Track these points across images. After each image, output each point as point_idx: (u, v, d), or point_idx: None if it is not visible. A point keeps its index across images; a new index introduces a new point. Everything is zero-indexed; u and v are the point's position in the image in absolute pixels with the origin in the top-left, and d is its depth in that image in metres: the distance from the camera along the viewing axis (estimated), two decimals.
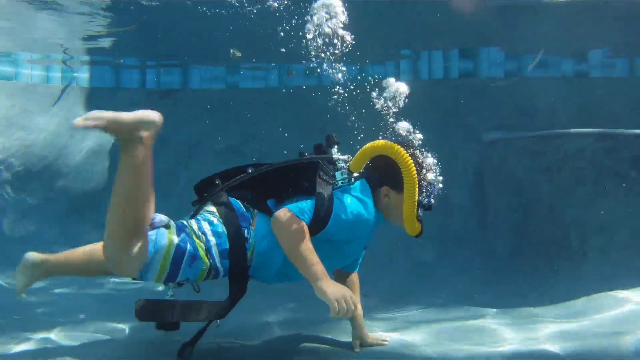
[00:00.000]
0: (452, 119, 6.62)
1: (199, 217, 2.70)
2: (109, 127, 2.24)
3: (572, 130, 5.32)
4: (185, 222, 2.65)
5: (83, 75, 7.48)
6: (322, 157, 2.88)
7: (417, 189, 2.71)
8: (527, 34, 6.54)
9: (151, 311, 2.52)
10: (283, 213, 2.59)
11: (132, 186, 2.34)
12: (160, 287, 2.57)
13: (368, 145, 2.71)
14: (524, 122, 6.29)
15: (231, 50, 6.57)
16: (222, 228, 2.65)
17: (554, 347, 2.92)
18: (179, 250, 2.52)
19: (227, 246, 2.62)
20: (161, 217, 2.58)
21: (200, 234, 2.60)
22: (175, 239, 2.52)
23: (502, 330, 3.38)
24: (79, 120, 2.16)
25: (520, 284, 5.03)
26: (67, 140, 7.27)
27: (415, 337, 3.26)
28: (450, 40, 6.58)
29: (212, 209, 2.75)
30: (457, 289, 5.09)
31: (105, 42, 7.19)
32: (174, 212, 2.73)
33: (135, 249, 2.36)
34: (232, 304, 2.66)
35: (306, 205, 2.65)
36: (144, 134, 2.34)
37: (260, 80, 7.53)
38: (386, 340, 3.22)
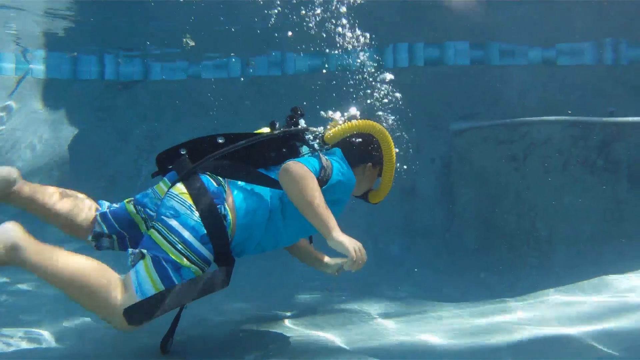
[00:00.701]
0: (418, 108, 6.45)
1: (163, 213, 2.50)
2: None
3: (539, 118, 5.20)
4: (150, 232, 2.49)
5: (39, 67, 7.16)
6: (300, 129, 2.92)
7: (394, 165, 3.06)
8: (494, 21, 6.42)
9: (142, 312, 2.35)
10: (294, 164, 2.55)
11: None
12: None
13: (353, 122, 2.89)
14: (492, 111, 6.16)
15: (184, 40, 6.35)
16: (193, 216, 2.48)
17: (519, 337, 2.85)
18: (160, 271, 2.38)
19: (205, 231, 2.48)
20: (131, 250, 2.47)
21: (171, 237, 2.43)
22: (151, 267, 2.38)
23: (465, 324, 3.26)
24: None
25: (487, 275, 4.89)
26: (22, 134, 6.98)
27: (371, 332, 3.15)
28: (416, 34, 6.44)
29: (180, 189, 2.56)
30: (422, 282, 4.92)
31: (62, 33, 6.92)
32: None
33: (119, 299, 2.30)
34: (229, 271, 2.58)
35: (313, 160, 2.67)
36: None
37: (222, 70, 7.29)
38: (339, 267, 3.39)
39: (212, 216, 2.50)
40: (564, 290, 3.99)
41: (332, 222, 2.54)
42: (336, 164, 2.80)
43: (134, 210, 2.72)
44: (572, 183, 4.93)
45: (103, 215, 2.72)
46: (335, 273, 3.38)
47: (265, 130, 2.96)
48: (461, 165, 5.86)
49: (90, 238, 2.67)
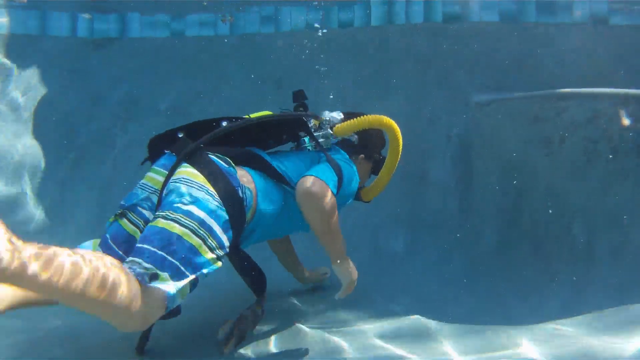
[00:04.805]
0: (433, 75, 5.35)
1: (177, 201, 2.20)
2: None
3: (582, 90, 4.07)
4: (157, 222, 2.16)
5: (1, 20, 6.29)
6: (311, 115, 2.86)
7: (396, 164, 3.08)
8: None
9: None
10: (316, 185, 2.45)
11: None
12: None
13: (368, 117, 2.81)
14: (523, 81, 5.01)
15: None
16: (213, 200, 2.23)
17: None
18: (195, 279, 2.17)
19: (227, 217, 2.27)
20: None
21: (191, 223, 2.15)
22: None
23: None
24: None
25: (505, 290, 3.89)
26: None
27: None
28: None
29: (190, 171, 2.31)
30: (424, 293, 4.00)
31: None
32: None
33: (142, 306, 1.94)
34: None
35: (331, 173, 2.58)
36: None
37: (209, 28, 6.30)
38: (326, 273, 3.71)
39: (233, 200, 2.31)
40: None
41: (344, 249, 2.69)
42: (346, 168, 2.76)
43: (128, 222, 2.39)
44: (622, 177, 3.84)
45: (104, 243, 2.38)
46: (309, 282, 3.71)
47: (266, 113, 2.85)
48: (482, 147, 4.78)
49: None
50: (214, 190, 2.27)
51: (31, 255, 1.59)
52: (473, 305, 3.73)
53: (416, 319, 3.29)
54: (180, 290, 2.09)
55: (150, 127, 5.66)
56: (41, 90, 6.30)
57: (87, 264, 1.75)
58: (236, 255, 2.64)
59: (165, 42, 6.43)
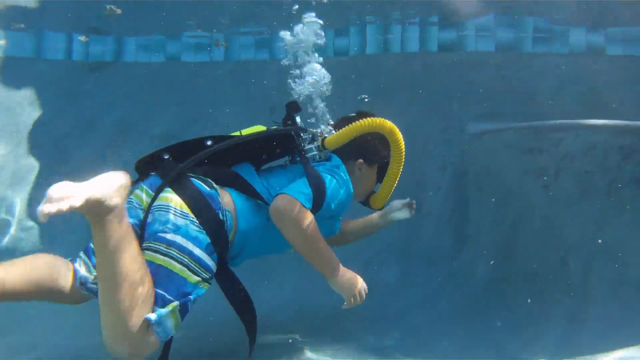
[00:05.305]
0: (428, 104, 5.31)
1: (160, 230, 2.32)
2: (87, 209, 1.97)
3: (578, 121, 4.01)
4: (147, 256, 2.26)
5: None
6: (298, 129, 2.84)
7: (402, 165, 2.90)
8: None
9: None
10: (288, 203, 2.45)
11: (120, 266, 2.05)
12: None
13: (357, 123, 2.73)
14: (520, 111, 4.97)
15: (107, 8, 5.35)
16: (194, 226, 2.34)
17: None
18: (184, 306, 2.27)
19: (209, 240, 2.37)
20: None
21: (176, 254, 2.28)
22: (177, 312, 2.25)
23: None
24: (45, 208, 1.84)
25: (499, 326, 3.76)
26: None
27: None
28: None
29: (172, 198, 2.39)
30: (416, 327, 3.86)
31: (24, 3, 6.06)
32: None
33: (136, 328, 2.07)
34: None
35: (305, 188, 2.54)
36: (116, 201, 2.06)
37: (204, 53, 6.29)
38: (407, 201, 3.37)
39: (214, 223, 2.39)
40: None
41: (333, 263, 2.59)
42: (331, 180, 2.68)
43: None
44: (619, 211, 3.76)
45: (87, 250, 2.52)
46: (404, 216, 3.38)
47: (259, 128, 2.86)
48: (478, 177, 4.70)
49: (78, 284, 2.41)
50: (193, 216, 2.36)
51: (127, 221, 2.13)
52: (466, 341, 3.61)
53: (408, 355, 3.23)
54: (165, 317, 2.16)
55: (143, 153, 5.61)
56: (35, 113, 6.26)
57: (141, 256, 2.17)
58: (226, 278, 2.61)
59: (160, 67, 6.42)
